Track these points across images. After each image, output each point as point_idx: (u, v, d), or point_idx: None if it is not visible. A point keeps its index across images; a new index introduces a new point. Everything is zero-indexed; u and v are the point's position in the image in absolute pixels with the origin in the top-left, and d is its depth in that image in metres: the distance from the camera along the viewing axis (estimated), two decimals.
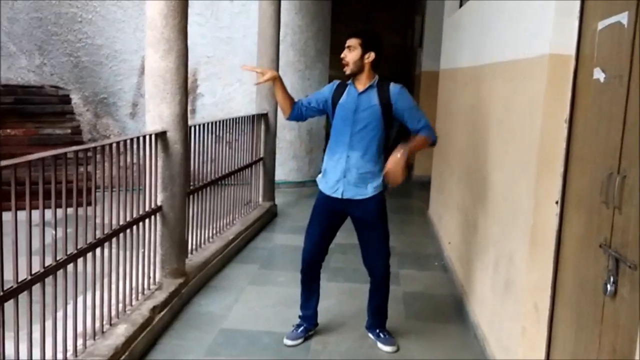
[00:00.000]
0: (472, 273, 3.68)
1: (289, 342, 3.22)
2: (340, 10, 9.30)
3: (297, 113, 3.15)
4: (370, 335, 3.31)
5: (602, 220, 1.98)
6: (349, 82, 3.06)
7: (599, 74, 2.06)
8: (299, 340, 3.24)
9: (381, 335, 3.26)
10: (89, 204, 2.70)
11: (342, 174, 3.00)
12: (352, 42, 2.95)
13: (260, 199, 6.05)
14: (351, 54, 2.95)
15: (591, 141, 2.13)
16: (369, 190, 3.01)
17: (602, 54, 2.06)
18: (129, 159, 3.11)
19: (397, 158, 2.83)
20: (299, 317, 3.33)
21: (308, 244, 3.18)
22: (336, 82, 3.14)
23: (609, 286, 1.83)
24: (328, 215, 3.12)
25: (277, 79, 3.08)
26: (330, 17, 7.86)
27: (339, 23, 9.11)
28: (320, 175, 3.16)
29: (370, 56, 2.95)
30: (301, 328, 3.28)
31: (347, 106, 3.00)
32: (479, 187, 3.61)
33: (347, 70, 2.99)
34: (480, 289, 3.42)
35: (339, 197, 3.03)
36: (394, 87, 2.99)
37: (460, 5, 5.09)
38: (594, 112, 2.12)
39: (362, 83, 3.00)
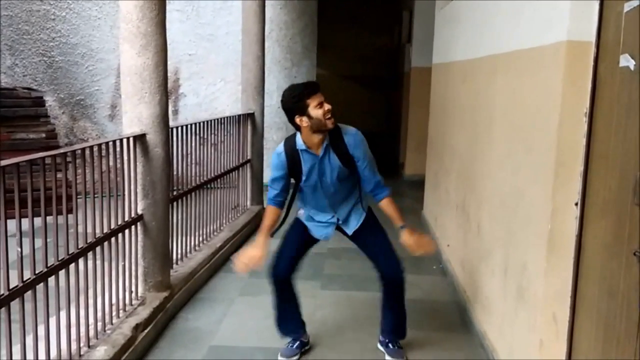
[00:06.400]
0: (476, 278, 3.48)
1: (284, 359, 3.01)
2: (326, 9, 9.07)
3: (284, 200, 2.89)
4: (379, 345, 3.10)
5: (634, 224, 1.81)
6: (298, 146, 2.69)
7: (627, 62, 1.86)
8: (295, 357, 3.03)
9: (390, 346, 3.05)
10: (69, 211, 2.48)
11: (334, 224, 2.92)
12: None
13: (249, 202, 5.81)
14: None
15: (618, 136, 1.93)
16: (360, 217, 2.92)
17: (630, 39, 1.86)
18: (106, 165, 2.86)
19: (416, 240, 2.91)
20: (284, 334, 3.10)
21: (282, 263, 2.92)
22: (280, 152, 2.75)
23: None
24: (308, 239, 2.97)
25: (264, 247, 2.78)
26: (317, 15, 7.63)
27: (325, 22, 8.88)
28: (302, 216, 2.97)
29: None
30: (297, 343, 3.06)
31: (312, 177, 2.76)
32: (482, 187, 3.41)
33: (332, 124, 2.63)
34: (487, 295, 3.22)
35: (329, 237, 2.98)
36: (348, 137, 2.69)
37: None
38: (621, 104, 1.91)
39: (316, 144, 2.67)
